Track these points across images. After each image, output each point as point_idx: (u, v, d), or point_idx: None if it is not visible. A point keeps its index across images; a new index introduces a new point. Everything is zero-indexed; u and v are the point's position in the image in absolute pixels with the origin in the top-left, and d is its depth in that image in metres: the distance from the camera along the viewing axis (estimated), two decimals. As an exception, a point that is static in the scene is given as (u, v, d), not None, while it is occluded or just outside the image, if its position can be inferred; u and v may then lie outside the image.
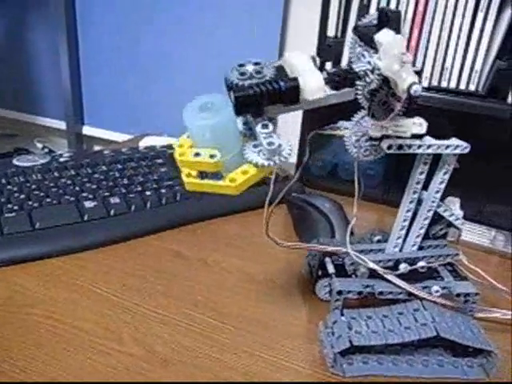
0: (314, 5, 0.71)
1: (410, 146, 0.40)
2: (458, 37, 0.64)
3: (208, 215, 0.62)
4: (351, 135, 0.41)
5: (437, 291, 0.42)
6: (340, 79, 0.36)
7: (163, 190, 0.62)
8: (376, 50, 0.36)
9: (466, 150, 0.41)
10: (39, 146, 1.24)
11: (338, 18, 0.71)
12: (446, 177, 0.42)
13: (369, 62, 0.37)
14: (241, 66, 0.37)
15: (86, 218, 0.55)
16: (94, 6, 1.06)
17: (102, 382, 0.37)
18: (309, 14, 0.71)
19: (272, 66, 0.37)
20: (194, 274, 0.51)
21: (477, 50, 0.63)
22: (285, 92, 0.35)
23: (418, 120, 0.40)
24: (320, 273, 0.48)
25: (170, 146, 0.75)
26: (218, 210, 0.63)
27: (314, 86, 0.36)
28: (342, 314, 0.41)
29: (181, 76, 1.05)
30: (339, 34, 0.71)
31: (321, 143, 0.73)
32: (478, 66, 0.64)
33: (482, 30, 0.63)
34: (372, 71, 0.36)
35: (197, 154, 0.36)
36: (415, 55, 0.66)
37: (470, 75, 0.64)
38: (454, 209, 0.44)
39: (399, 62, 0.35)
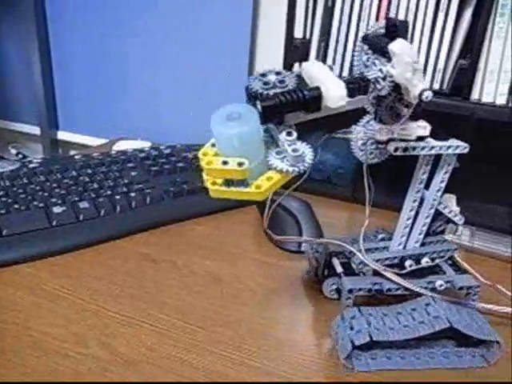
0: (284, 5, 0.72)
1: (414, 148, 0.42)
2: (421, 36, 0.65)
3: (179, 217, 0.63)
4: (357, 139, 0.43)
5: (441, 285, 0.44)
6: (354, 86, 0.37)
7: (133, 194, 0.62)
8: (388, 59, 0.37)
9: (466, 150, 0.43)
10: (13, 152, 1.23)
11: (306, 20, 0.72)
12: (447, 176, 0.44)
13: (380, 70, 0.38)
14: (263, 75, 0.38)
15: (54, 223, 0.55)
16: (64, 12, 1.06)
17: (103, 382, 0.37)
18: (279, 16, 0.71)
19: (293, 76, 0.38)
20: (163, 276, 0.51)
21: (439, 49, 0.65)
22: (308, 100, 0.36)
23: (422, 123, 0.42)
24: (326, 272, 0.49)
25: (141, 150, 0.76)
26: (189, 212, 0.64)
27: (336, 94, 0.36)
28: (360, 311, 0.43)
29: (155, 80, 1.05)
30: (307, 35, 0.72)
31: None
32: (440, 65, 0.65)
33: (443, 30, 0.64)
34: (383, 78, 0.38)
35: (225, 163, 0.36)
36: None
37: (433, 74, 0.66)
38: (451, 205, 0.46)
39: (412, 70, 0.37)
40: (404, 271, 0.44)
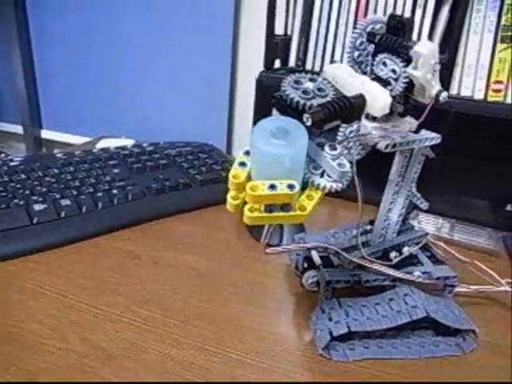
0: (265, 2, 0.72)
1: (401, 144, 0.41)
2: (399, 32, 0.66)
3: (161, 214, 0.63)
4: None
5: (419, 276, 0.45)
6: None
7: (115, 191, 0.62)
8: (404, 59, 0.37)
9: (439, 141, 0.43)
10: (-4, 151, 1.22)
11: (287, 16, 0.73)
12: (420, 166, 0.45)
13: (393, 71, 0.37)
14: (297, 82, 0.36)
15: (35, 221, 0.55)
16: (46, 11, 1.05)
17: (103, 383, 0.37)
18: (261, 13, 0.71)
19: (326, 82, 0.36)
20: (144, 272, 0.51)
21: (417, 44, 0.65)
22: (353, 110, 0.35)
23: (410, 119, 0.42)
24: (305, 265, 0.49)
25: (124, 148, 0.76)
26: (172, 208, 0.64)
27: (382, 103, 0.35)
28: (339, 302, 0.43)
29: (139, 78, 1.05)
30: (289, 32, 0.72)
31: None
32: (419, 60, 0.66)
33: (421, 26, 0.65)
34: (396, 79, 0.37)
35: (272, 187, 0.33)
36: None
37: (412, 69, 0.66)
38: (414, 191, 0.47)
39: (432, 71, 0.37)
40: (393, 262, 0.45)
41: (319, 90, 0.35)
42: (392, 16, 0.39)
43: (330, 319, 0.42)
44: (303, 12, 0.68)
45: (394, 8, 0.65)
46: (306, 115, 0.33)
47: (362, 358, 0.41)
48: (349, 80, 0.36)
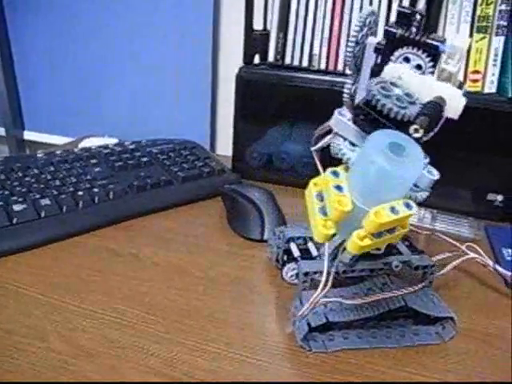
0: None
1: None
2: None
3: (143, 211, 0.63)
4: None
5: (397, 266, 0.45)
6: None
7: (96, 189, 0.62)
8: (430, 54, 0.36)
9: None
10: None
11: (266, 12, 0.73)
12: None
13: (418, 66, 0.36)
14: (384, 88, 0.33)
15: (15, 221, 0.55)
16: (24, 10, 1.04)
17: (104, 383, 0.37)
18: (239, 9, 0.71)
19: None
20: (126, 269, 0.51)
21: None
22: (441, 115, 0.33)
23: None
24: (285, 258, 0.49)
25: (105, 146, 0.75)
26: (153, 205, 0.64)
27: (462, 105, 0.35)
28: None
29: (121, 76, 1.04)
30: (268, 27, 0.72)
31: (256, 134, 0.74)
32: (397, 53, 0.66)
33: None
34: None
35: (393, 210, 0.31)
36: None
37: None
38: None
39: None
40: (381, 251, 0.45)
41: (407, 95, 0.34)
42: (402, 8, 0.38)
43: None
44: (281, 6, 0.68)
45: (371, 3, 0.65)
46: (414, 127, 0.32)
47: (341, 349, 0.42)
48: (417, 80, 0.35)
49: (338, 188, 0.33)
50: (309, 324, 0.40)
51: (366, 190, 0.32)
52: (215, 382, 0.38)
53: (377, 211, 0.31)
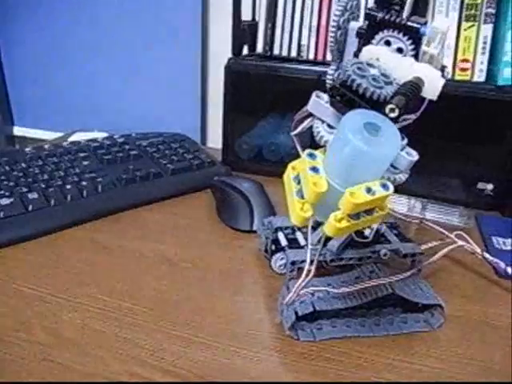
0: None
1: None
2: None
3: (131, 204, 0.62)
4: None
5: (385, 254, 0.45)
6: None
7: (84, 183, 0.61)
8: (411, 37, 0.35)
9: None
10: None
11: (254, 2, 0.72)
12: None
13: (399, 49, 0.36)
14: (360, 69, 0.33)
15: (1, 215, 0.54)
16: (11, 4, 1.04)
17: (105, 383, 0.37)
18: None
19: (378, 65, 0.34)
20: (114, 261, 0.51)
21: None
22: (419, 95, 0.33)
23: None
24: (273, 248, 0.49)
25: (94, 140, 0.75)
26: (142, 198, 0.64)
27: (440, 86, 0.34)
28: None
29: (109, 70, 1.04)
30: (256, 18, 0.72)
31: (246, 126, 0.74)
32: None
33: (386, 7, 0.65)
34: None
35: (369, 190, 0.31)
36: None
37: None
38: None
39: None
40: (369, 239, 0.45)
41: (383, 75, 0.33)
42: None
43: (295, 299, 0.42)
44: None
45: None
46: (389, 106, 0.31)
47: (329, 338, 0.41)
48: (395, 61, 0.35)
49: (314, 169, 0.33)
50: (296, 313, 0.40)
51: (342, 171, 0.32)
52: (210, 382, 0.37)
53: (352, 191, 0.31)
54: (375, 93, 0.32)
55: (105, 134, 0.86)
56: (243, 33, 0.70)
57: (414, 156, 0.34)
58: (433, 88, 0.34)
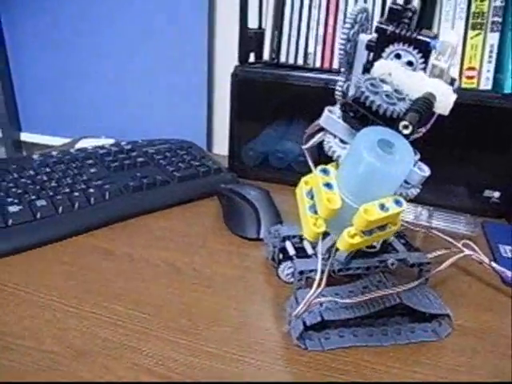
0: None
1: None
2: (372, 23, 0.66)
3: (139, 211, 0.63)
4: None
5: (392, 264, 0.45)
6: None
7: (92, 190, 0.62)
8: (421, 50, 0.35)
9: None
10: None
11: (260, 10, 0.73)
12: None
13: (410, 63, 0.36)
14: (373, 85, 0.33)
15: (10, 222, 0.54)
16: (19, 8, 1.04)
17: (105, 382, 0.37)
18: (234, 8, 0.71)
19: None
20: (120, 269, 0.51)
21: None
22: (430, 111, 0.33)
23: None
24: (281, 256, 0.49)
25: (101, 147, 0.75)
26: (149, 205, 0.64)
27: (452, 101, 0.34)
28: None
29: (119, 77, 1.04)
30: (263, 25, 0.72)
31: (252, 133, 0.74)
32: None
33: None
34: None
35: (382, 207, 0.31)
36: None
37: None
38: None
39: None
40: (377, 248, 0.45)
41: (396, 91, 0.33)
42: (393, 4, 0.38)
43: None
44: (276, 4, 0.68)
45: (365, 0, 0.65)
46: (403, 123, 0.31)
47: (336, 347, 0.41)
48: (406, 76, 0.35)
49: (328, 186, 0.33)
50: (304, 323, 0.40)
51: (356, 187, 0.32)
52: (214, 382, 0.38)
53: (366, 208, 0.31)
54: (388, 109, 0.32)
55: (111, 141, 0.86)
56: (250, 40, 0.71)
57: (426, 172, 0.34)
58: (444, 103, 0.34)
